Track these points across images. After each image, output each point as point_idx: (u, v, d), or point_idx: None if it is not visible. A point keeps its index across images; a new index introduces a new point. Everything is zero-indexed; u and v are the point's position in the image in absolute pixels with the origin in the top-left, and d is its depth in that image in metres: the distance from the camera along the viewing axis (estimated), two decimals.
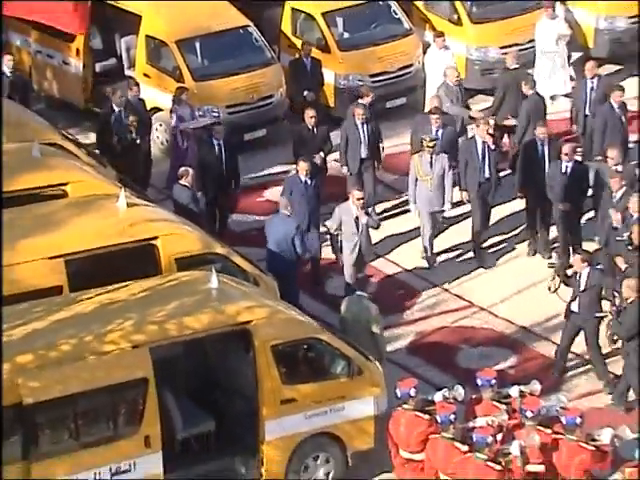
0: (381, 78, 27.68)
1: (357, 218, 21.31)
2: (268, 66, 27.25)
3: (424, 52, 27.77)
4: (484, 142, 23.01)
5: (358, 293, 19.94)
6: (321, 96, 27.44)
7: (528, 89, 24.84)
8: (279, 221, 21.22)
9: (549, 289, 21.16)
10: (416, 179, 22.80)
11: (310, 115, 23.95)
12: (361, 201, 21.38)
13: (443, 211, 23.19)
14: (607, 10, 29.15)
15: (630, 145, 24.12)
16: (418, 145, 23.35)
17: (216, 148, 23.44)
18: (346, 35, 28.18)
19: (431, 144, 22.65)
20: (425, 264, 23.20)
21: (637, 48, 28.85)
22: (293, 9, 28.49)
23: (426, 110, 26.04)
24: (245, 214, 24.63)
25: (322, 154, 23.93)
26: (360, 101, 24.63)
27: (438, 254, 23.41)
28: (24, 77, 27.52)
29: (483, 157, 22.94)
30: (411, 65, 27.93)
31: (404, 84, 27.77)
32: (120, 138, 23.98)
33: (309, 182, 22.26)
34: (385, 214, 24.70)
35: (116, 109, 24.38)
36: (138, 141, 24.07)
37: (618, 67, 29.05)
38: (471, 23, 28.69)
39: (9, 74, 25.64)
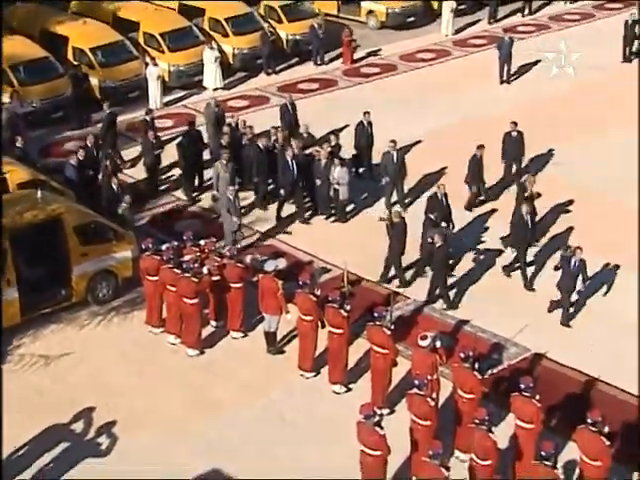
0: (125, 82, 26.02)
1: None
2: (61, 77, 25.22)
3: (146, 67, 26.23)
4: (262, 147, 19.85)
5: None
6: (92, 92, 25.73)
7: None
8: (68, 165, 19.75)
9: None
10: (218, 175, 19.74)
11: (145, 130, 21.25)
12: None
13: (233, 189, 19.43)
14: (237, 43, 28.28)
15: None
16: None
17: None
18: (103, 59, 26.29)
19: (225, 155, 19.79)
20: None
21: (254, 64, 28.24)
22: (73, 47, 26.52)
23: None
24: (50, 157, 22.62)
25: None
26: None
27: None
28: None
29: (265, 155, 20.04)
30: (140, 74, 26.29)
31: (137, 84, 26.19)
32: None
33: None
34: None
35: None
36: None
37: (246, 73, 28.21)
38: (169, 52, 27.33)
39: None
